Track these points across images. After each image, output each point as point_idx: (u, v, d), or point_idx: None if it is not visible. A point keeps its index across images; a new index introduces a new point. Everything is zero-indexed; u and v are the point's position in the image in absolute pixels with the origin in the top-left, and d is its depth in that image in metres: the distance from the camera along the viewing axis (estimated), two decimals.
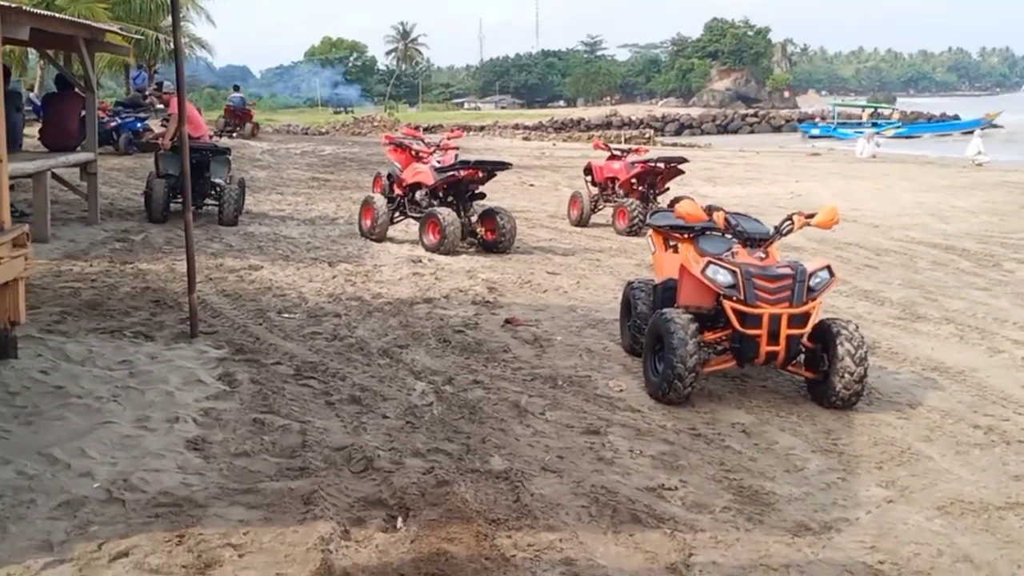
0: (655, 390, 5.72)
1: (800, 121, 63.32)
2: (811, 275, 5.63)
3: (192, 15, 42.84)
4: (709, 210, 6.04)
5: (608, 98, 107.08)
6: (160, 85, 22.33)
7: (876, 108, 58.70)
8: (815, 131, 53.56)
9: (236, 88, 34.87)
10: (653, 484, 4.47)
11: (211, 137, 13.33)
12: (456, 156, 13.43)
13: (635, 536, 3.91)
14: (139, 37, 22.33)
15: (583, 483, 4.42)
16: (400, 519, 3.93)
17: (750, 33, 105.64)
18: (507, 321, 7.59)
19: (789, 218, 6.02)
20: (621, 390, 5.94)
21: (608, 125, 60.73)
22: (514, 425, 5.19)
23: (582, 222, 13.69)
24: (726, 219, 5.92)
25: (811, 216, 6.03)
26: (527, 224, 13.62)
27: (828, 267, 5.75)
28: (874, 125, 52.89)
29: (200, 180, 12.31)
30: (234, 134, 30.26)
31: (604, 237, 12.68)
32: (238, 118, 31.43)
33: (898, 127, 51.95)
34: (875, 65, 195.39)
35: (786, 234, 6.00)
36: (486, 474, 4.46)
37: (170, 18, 39.40)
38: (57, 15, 9.51)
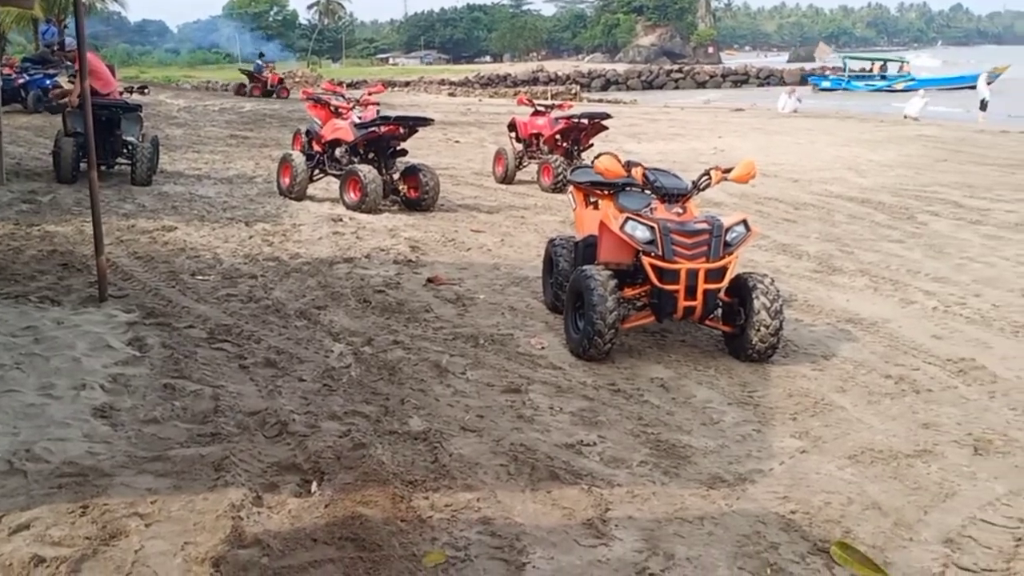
0: (576, 347, 5.72)
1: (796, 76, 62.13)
2: (728, 230, 5.65)
3: None
4: (628, 166, 6.01)
5: (534, 53, 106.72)
6: (62, 44, 21.47)
7: (885, 61, 58.20)
8: (825, 84, 53.34)
9: (260, 56, 38.20)
10: (572, 441, 4.47)
11: (121, 94, 12.83)
12: (378, 112, 13.21)
13: (553, 493, 3.90)
14: None
15: (502, 442, 4.40)
16: (314, 483, 3.86)
17: None
18: (429, 280, 7.50)
19: (707, 173, 6.03)
20: (543, 348, 5.92)
21: (535, 81, 60.47)
22: (434, 385, 5.14)
23: (507, 179, 13.60)
24: (644, 175, 5.90)
25: (728, 171, 6.05)
26: (452, 181, 13.49)
27: (744, 221, 5.77)
28: (883, 78, 53.30)
29: (110, 138, 11.89)
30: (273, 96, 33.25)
31: (529, 194, 12.62)
32: (261, 82, 34.00)
33: (909, 80, 51.77)
34: (797, 20, 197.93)
35: (704, 189, 6.01)
36: (404, 435, 4.41)
37: None
38: None
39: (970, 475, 4.23)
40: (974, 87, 47.43)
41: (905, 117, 27.16)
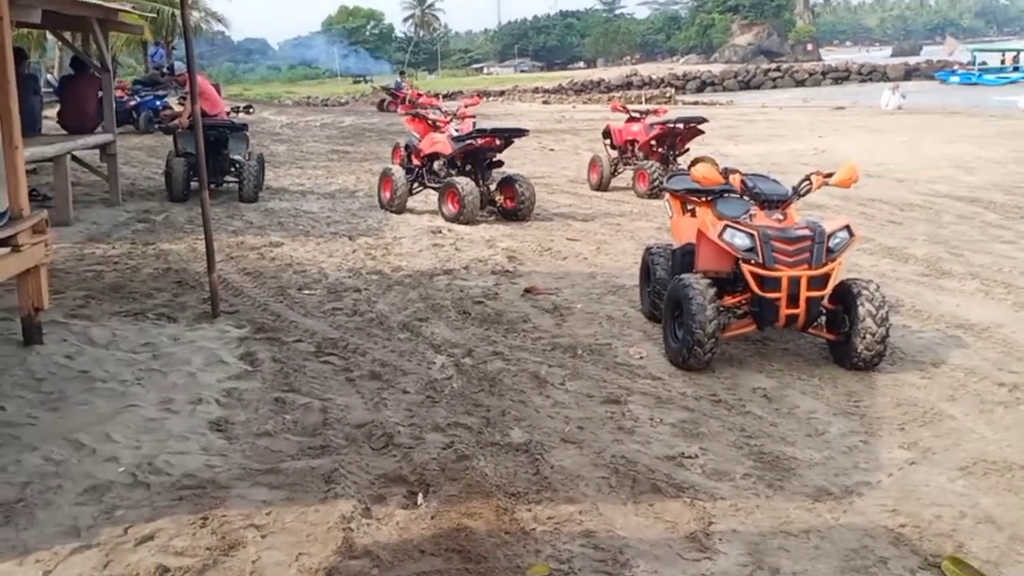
0: (675, 356, 5.71)
1: (937, 68, 58.89)
2: (830, 236, 5.56)
3: None
4: (725, 173, 5.97)
5: (628, 57, 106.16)
6: (171, 68, 22.41)
7: (1018, 52, 54.54)
8: (954, 79, 50.67)
9: (401, 74, 40.85)
10: (673, 452, 4.46)
11: (228, 114, 13.34)
12: (474, 124, 13.37)
13: (655, 506, 3.91)
14: (152, 15, 22.31)
15: (603, 453, 4.42)
16: (420, 495, 3.96)
17: None
18: (527, 290, 7.58)
19: (807, 178, 5.95)
20: (641, 357, 5.92)
21: (628, 85, 60.12)
22: (534, 396, 5.20)
23: (602, 186, 13.62)
24: (742, 181, 5.85)
25: (829, 175, 5.95)
26: (547, 190, 13.57)
27: (847, 227, 5.67)
28: (1016, 70, 50.66)
29: (218, 157, 12.37)
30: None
31: (624, 201, 12.60)
32: (400, 98, 33.49)
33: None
34: (900, 14, 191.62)
35: (804, 195, 5.93)
36: (506, 447, 4.48)
37: None
38: None
39: None
40: None
41: None
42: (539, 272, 8.32)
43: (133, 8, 14.62)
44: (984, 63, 53.89)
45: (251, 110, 13.79)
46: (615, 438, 4.64)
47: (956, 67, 53.78)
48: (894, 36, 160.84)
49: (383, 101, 36.04)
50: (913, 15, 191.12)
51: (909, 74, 63.88)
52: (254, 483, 4.11)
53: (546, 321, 6.75)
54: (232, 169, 12.55)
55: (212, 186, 12.48)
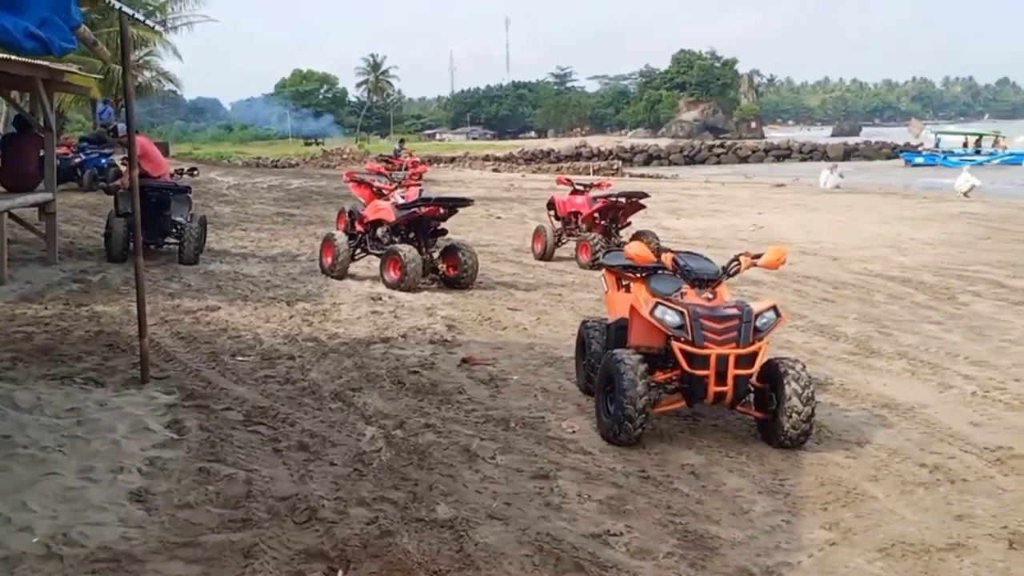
0: (606, 431, 5.74)
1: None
2: (758, 315, 5.68)
3: (159, 49, 42.71)
4: (658, 251, 6.09)
5: (578, 129, 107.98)
6: (115, 131, 22.29)
7: (980, 135, 56.74)
8: (919, 160, 51.99)
9: (401, 141, 41.44)
10: (599, 530, 4.46)
11: (172, 176, 13.28)
12: (420, 192, 13.49)
13: None
14: (99, 77, 22.24)
15: (528, 531, 4.41)
16: (340, 572, 3.90)
17: (717, 65, 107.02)
18: (464, 360, 7.58)
19: (736, 259, 6.09)
20: (574, 431, 5.94)
21: (578, 156, 61.23)
22: (463, 470, 5.17)
23: (546, 256, 13.77)
24: (674, 259, 5.97)
25: (758, 256, 6.10)
26: (491, 258, 13.67)
27: (775, 307, 5.80)
28: (977, 152, 51.75)
29: (160, 219, 12.30)
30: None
31: (567, 271, 12.74)
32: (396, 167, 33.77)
33: (1008, 154, 50.83)
34: (840, 95, 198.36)
35: (733, 274, 6.06)
36: (431, 523, 4.44)
37: (138, 53, 39.31)
38: (13, 56, 9.46)
39: (1004, 570, 4.15)
40: None
41: (964, 195, 26.85)
42: (478, 342, 8.34)
43: (80, 69, 14.58)
44: (949, 145, 55.64)
45: (195, 172, 13.71)
46: (542, 514, 4.63)
47: (921, 149, 55.29)
48: (835, 116, 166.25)
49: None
50: (853, 97, 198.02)
51: (848, 154, 66.04)
52: (171, 557, 4.02)
53: (481, 392, 6.75)
54: (173, 231, 12.47)
55: (152, 247, 12.41)
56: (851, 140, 79.21)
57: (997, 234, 17.19)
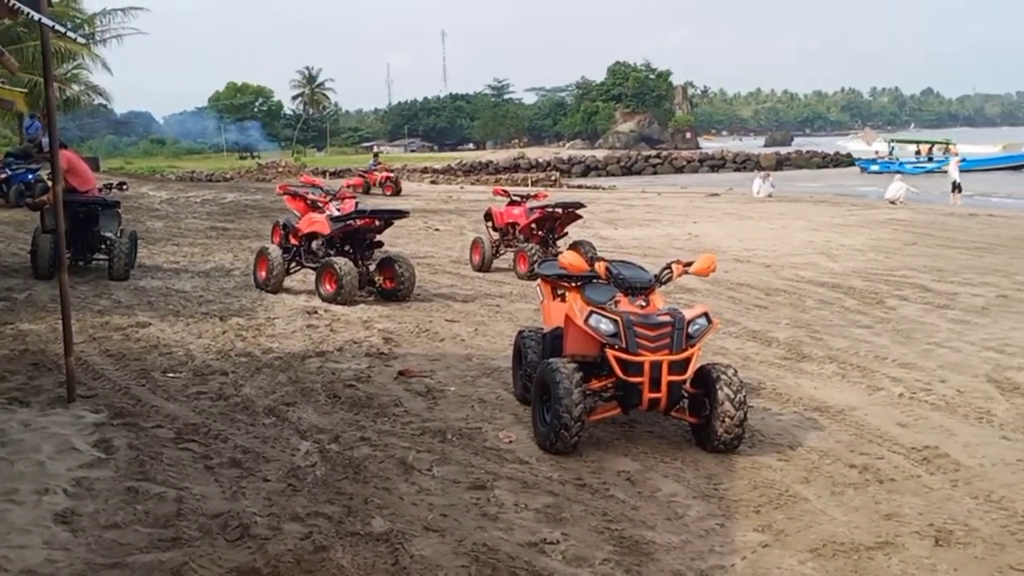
0: (543, 440, 5.75)
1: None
2: (690, 322, 5.74)
3: (88, 63, 41.78)
4: (592, 260, 6.14)
5: (516, 140, 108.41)
6: (40, 145, 21.73)
7: (932, 144, 57.87)
8: (874, 168, 52.99)
9: (375, 155, 42.56)
10: (535, 539, 4.46)
11: (100, 191, 12.99)
12: (356, 205, 13.39)
13: None
14: (24, 91, 21.69)
15: (465, 541, 4.39)
16: None
17: (652, 76, 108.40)
18: (400, 373, 7.54)
19: (668, 267, 6.16)
20: (511, 441, 5.94)
21: (516, 168, 61.47)
22: (399, 483, 5.14)
23: (484, 267, 13.79)
24: (607, 268, 6.02)
25: (689, 264, 6.18)
26: (429, 270, 13.64)
27: (706, 314, 5.87)
28: (929, 160, 53.08)
29: (88, 234, 12.04)
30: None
31: (505, 282, 12.75)
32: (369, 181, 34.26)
33: (960, 160, 52.36)
34: (772, 106, 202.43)
35: (665, 282, 6.12)
36: (366, 537, 4.40)
37: (65, 66, 38.44)
38: None
39: (930, 567, 4.24)
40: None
41: (891, 202, 27.49)
42: (415, 354, 8.30)
43: (4, 83, 14.22)
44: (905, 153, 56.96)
45: (124, 187, 13.40)
46: (478, 525, 4.61)
47: (876, 157, 56.48)
48: (767, 127, 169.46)
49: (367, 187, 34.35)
50: (784, 107, 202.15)
51: (780, 163, 67.28)
52: None
53: (418, 404, 6.72)
54: (102, 246, 12.20)
55: (81, 264, 12.15)
56: (783, 150, 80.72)
57: (923, 240, 17.67)
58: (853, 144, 71.31)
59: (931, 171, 50.44)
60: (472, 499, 4.95)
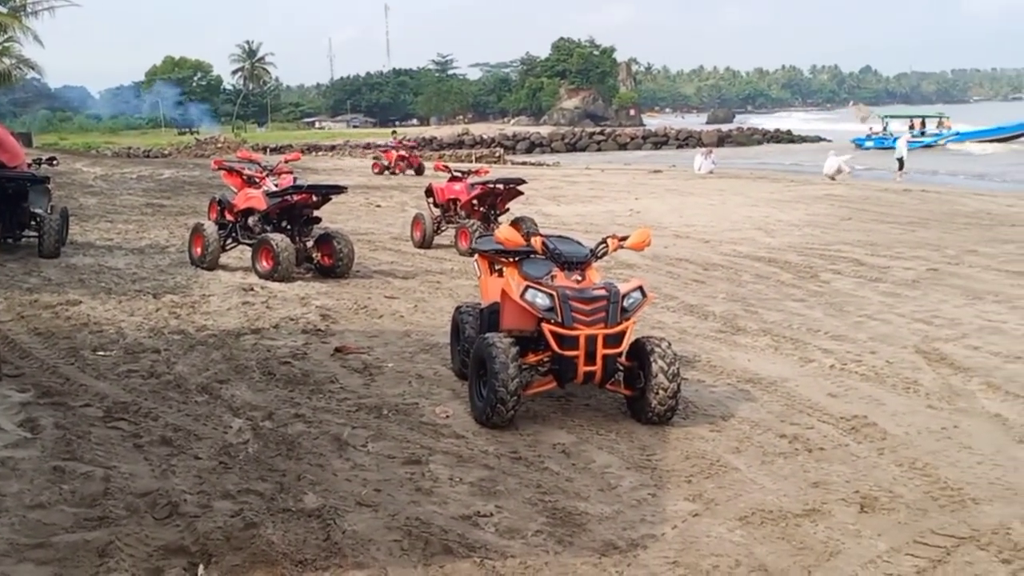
0: (479, 415, 5.75)
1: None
2: (625, 296, 5.78)
3: (19, 35, 40.61)
4: (528, 235, 6.14)
5: (461, 116, 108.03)
6: None
7: (924, 118, 58.27)
8: (869, 144, 52.89)
9: (393, 133, 41.39)
10: (469, 512, 4.47)
11: (29, 166, 12.65)
12: (295, 180, 13.21)
13: (445, 567, 3.90)
14: None
15: (398, 516, 4.38)
16: (201, 567, 3.80)
17: (596, 53, 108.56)
18: (337, 350, 7.48)
19: (604, 241, 6.18)
20: (447, 416, 5.94)
21: (460, 144, 61.12)
22: (333, 459, 5.11)
23: (425, 244, 13.71)
24: (543, 243, 6.02)
25: (624, 239, 6.21)
26: (369, 247, 13.54)
27: (640, 288, 5.91)
28: (922, 134, 53.52)
29: (17, 211, 11.75)
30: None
31: (446, 258, 12.71)
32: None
33: (954, 134, 52.99)
34: (715, 83, 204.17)
35: (601, 256, 6.14)
36: (298, 513, 4.37)
37: None
38: None
39: (855, 533, 4.34)
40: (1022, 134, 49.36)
41: (831, 178, 27.88)
42: (353, 331, 8.24)
43: None
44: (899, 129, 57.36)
45: (55, 162, 13.08)
46: (412, 499, 4.61)
47: (870, 132, 56.26)
48: (710, 104, 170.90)
49: (384, 167, 32.27)
50: (727, 85, 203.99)
51: (722, 140, 67.90)
52: (20, 559, 3.84)
53: (354, 381, 6.68)
54: (32, 223, 11.89)
55: (10, 241, 11.85)
56: (725, 127, 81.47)
57: (857, 215, 17.99)
58: (843, 125, 71.76)
59: (928, 145, 51.15)
60: (407, 474, 4.95)
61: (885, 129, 56.56)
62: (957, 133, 53.95)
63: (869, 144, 53.48)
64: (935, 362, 7.32)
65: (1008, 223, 16.34)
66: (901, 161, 31.89)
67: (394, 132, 40.64)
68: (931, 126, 56.22)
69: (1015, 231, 15.17)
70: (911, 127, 56.22)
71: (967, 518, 4.50)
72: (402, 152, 32.98)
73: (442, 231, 14.10)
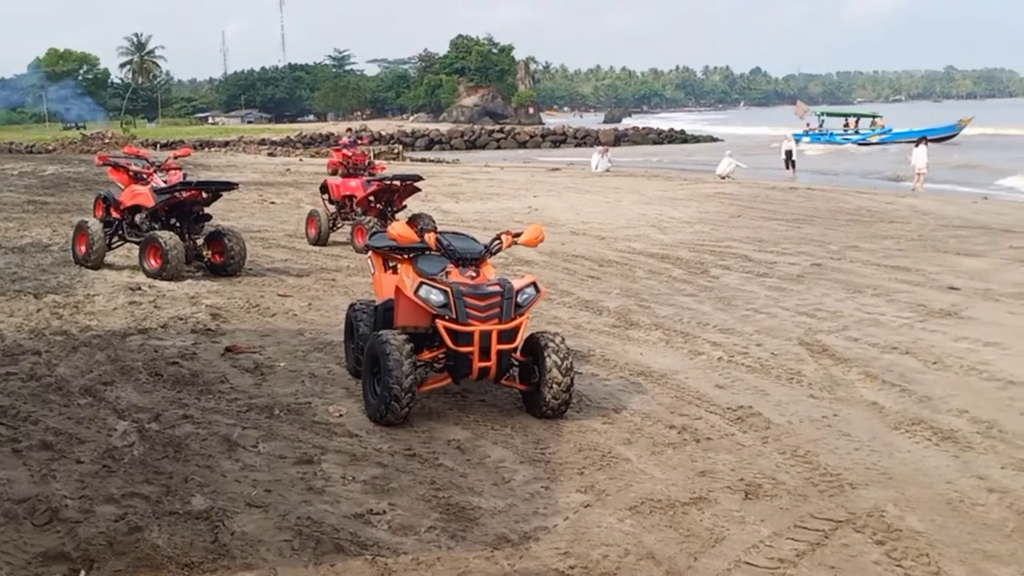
0: (374, 413, 5.73)
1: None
2: (519, 292, 5.83)
3: None
4: (422, 232, 6.13)
5: (359, 113, 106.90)
6: None
7: (859, 117, 60.10)
8: (806, 140, 53.97)
9: (348, 130, 38.30)
10: (361, 510, 4.45)
11: None
12: (184, 176, 12.89)
13: (336, 566, 3.88)
14: None
15: (289, 516, 4.33)
16: (83, 573, 3.69)
17: (494, 51, 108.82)
18: (228, 349, 7.34)
19: (498, 237, 6.22)
20: (341, 415, 5.89)
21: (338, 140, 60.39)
22: (222, 461, 5.01)
23: (320, 241, 13.54)
24: (437, 239, 6.02)
25: (518, 235, 6.26)
26: (263, 244, 13.31)
27: (535, 283, 5.97)
28: (856, 132, 55.50)
29: None
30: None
31: (342, 256, 12.59)
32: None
33: (883, 133, 54.36)
34: (611, 83, 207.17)
35: (495, 252, 6.18)
36: (185, 516, 4.28)
37: None
38: None
39: (739, 519, 4.48)
40: (953, 135, 51.18)
41: (722, 177, 28.54)
42: (244, 330, 8.09)
43: None
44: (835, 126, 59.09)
45: None
46: (304, 499, 4.56)
47: (808, 129, 57.90)
48: (607, 103, 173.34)
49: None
50: (623, 85, 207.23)
51: (619, 139, 68.92)
52: None
53: (245, 381, 6.56)
54: None
55: None
56: (621, 126, 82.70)
57: (747, 212, 18.52)
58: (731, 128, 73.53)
59: (859, 142, 53.23)
60: (298, 474, 4.89)
61: (821, 126, 58.71)
62: (888, 131, 55.92)
63: (806, 140, 55.42)
64: (817, 353, 7.60)
65: (887, 219, 17.05)
66: (791, 161, 32.96)
67: (349, 129, 38.87)
68: (865, 124, 58.29)
69: (893, 227, 15.85)
70: (846, 125, 58.64)
71: (844, 502, 4.69)
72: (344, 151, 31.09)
73: (338, 228, 13.94)
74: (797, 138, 56.60)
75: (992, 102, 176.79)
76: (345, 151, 28.94)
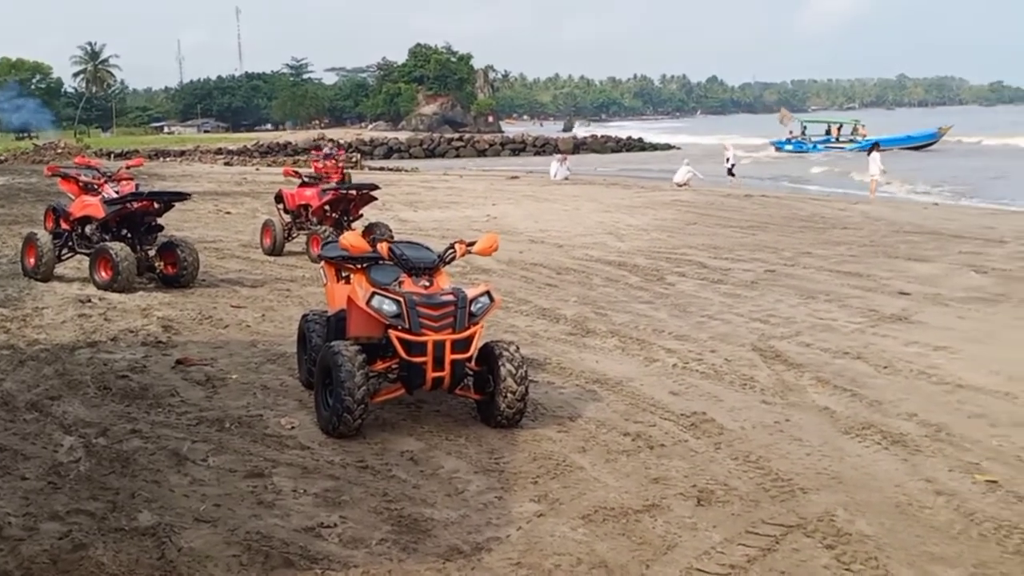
0: (326, 424, 5.68)
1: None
2: (472, 300, 5.82)
3: None
4: (374, 241, 6.10)
5: (317, 122, 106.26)
6: None
7: (841, 124, 60.61)
8: (788, 148, 54.76)
9: (330, 141, 37.38)
10: (312, 523, 4.41)
11: None
12: (137, 187, 12.73)
13: None
14: None
15: (237, 531, 4.28)
16: None
17: (453, 59, 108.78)
18: (179, 362, 7.24)
19: (452, 246, 6.20)
20: (292, 427, 5.83)
21: (316, 149, 60.07)
22: (170, 475, 4.94)
23: (275, 251, 13.42)
24: (390, 249, 5.99)
25: (472, 244, 6.24)
26: (217, 255, 13.16)
27: (488, 292, 5.96)
28: (837, 140, 55.88)
29: None
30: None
31: (298, 266, 12.49)
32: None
33: (862, 140, 54.62)
34: (570, 91, 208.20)
35: (449, 262, 6.16)
36: (131, 532, 4.20)
37: None
38: None
39: (691, 526, 4.50)
40: (932, 143, 51.79)
41: (679, 185, 28.71)
42: (196, 342, 7.99)
43: None
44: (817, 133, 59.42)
45: None
46: (254, 513, 4.50)
47: (790, 137, 58.33)
48: (565, 112, 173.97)
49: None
50: (581, 93, 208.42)
51: (578, 147, 69.12)
52: None
53: (196, 394, 6.47)
54: None
55: None
56: (579, 134, 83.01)
57: (702, 219, 18.67)
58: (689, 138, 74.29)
59: (840, 150, 53.66)
60: (248, 487, 4.83)
61: (804, 133, 59.23)
62: (866, 138, 56.54)
63: (788, 148, 55.89)
64: (770, 359, 7.67)
65: (840, 226, 17.29)
66: (731, 170, 33.31)
67: (322, 135, 37.22)
68: (847, 132, 58.97)
69: (845, 233, 16.07)
70: (828, 132, 59.21)
71: (796, 507, 4.73)
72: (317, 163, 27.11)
73: (293, 238, 13.83)
74: (778, 146, 57.49)
75: (943, 109, 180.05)
76: (318, 163, 26.82)
